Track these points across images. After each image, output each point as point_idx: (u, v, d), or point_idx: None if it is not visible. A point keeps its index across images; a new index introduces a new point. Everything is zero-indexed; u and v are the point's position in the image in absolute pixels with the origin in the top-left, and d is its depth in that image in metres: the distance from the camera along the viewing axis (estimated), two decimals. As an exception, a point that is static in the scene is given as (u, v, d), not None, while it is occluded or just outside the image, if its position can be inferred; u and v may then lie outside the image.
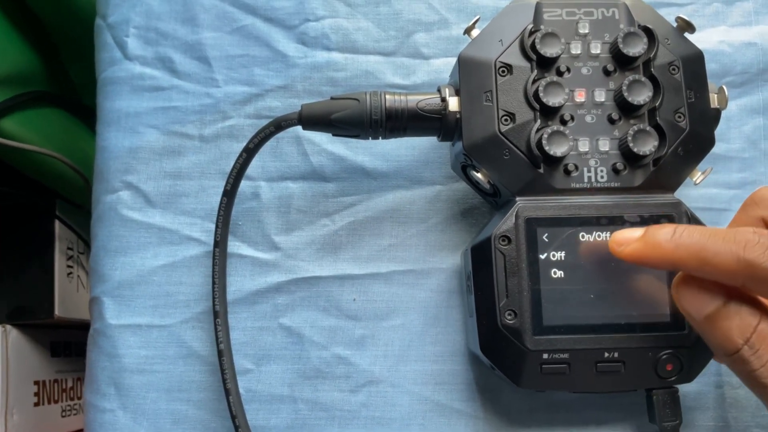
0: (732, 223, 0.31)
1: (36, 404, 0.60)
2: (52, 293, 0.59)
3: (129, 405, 0.36)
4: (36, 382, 0.60)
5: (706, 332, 0.27)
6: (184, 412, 0.36)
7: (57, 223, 0.60)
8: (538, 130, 0.32)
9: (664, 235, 0.26)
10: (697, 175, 0.34)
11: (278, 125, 0.35)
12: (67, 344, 0.66)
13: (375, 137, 0.35)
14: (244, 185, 0.38)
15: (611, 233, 0.31)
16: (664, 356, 0.31)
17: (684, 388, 0.33)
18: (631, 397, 0.35)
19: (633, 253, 0.28)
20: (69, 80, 0.60)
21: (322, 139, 0.39)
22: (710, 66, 0.35)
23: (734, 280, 0.25)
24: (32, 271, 0.59)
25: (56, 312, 0.59)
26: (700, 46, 0.34)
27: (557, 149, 0.32)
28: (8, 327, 0.56)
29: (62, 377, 0.64)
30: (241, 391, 0.36)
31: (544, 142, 0.32)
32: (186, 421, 0.36)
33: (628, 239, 0.28)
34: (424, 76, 0.40)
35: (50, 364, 0.62)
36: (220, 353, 0.35)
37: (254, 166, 0.38)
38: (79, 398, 0.67)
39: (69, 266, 0.62)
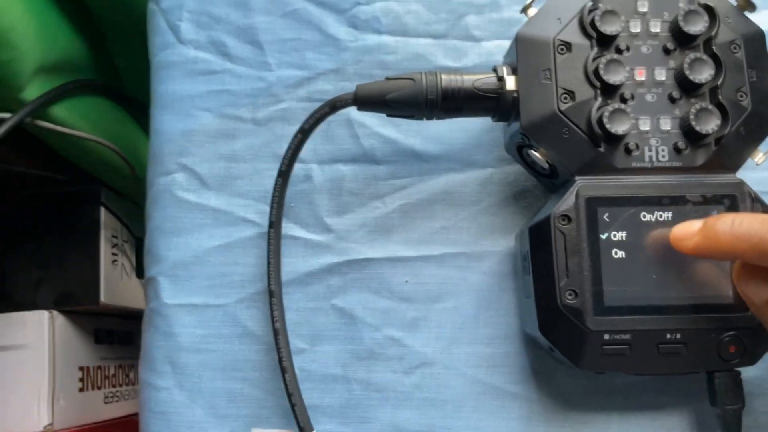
0: None
1: (81, 390, 0.61)
2: (97, 280, 0.60)
3: (185, 383, 0.37)
4: (81, 368, 0.61)
5: (765, 316, 0.26)
6: (239, 390, 0.36)
7: (102, 211, 0.61)
8: (598, 108, 0.32)
9: (723, 226, 0.27)
10: (759, 155, 0.33)
11: (333, 106, 0.35)
12: (110, 332, 0.67)
13: (430, 117, 0.34)
14: (296, 168, 0.38)
15: (673, 213, 0.31)
16: (727, 338, 0.31)
17: (745, 374, 0.32)
18: (689, 380, 0.35)
19: (694, 247, 0.28)
20: (114, 70, 0.61)
21: (373, 122, 0.39)
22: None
23: None
24: (78, 258, 0.60)
25: (101, 298, 0.59)
26: (761, 26, 0.34)
27: (618, 127, 0.31)
28: (55, 313, 0.57)
29: (105, 364, 0.65)
30: (295, 370, 0.36)
31: (605, 119, 0.31)
32: (241, 400, 0.36)
33: (688, 233, 0.28)
34: (476, 58, 0.39)
35: (94, 351, 0.63)
36: (275, 332, 0.35)
37: (306, 149, 0.38)
38: (121, 385, 0.68)
39: (114, 254, 0.62)
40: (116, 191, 0.63)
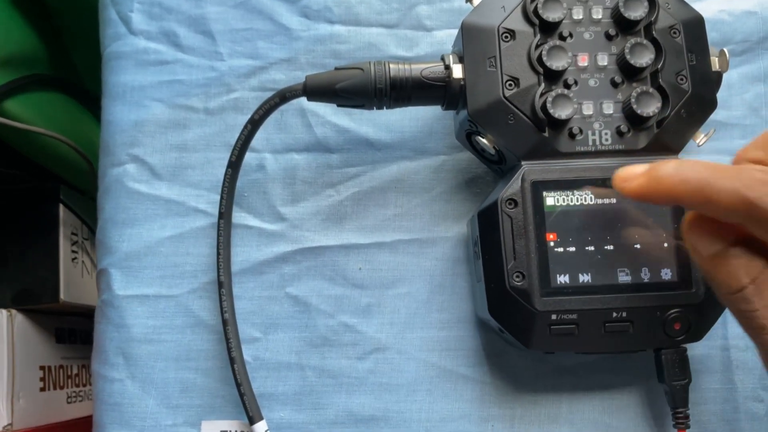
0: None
1: (42, 389, 0.60)
2: (57, 277, 0.59)
3: (137, 374, 0.36)
4: (42, 368, 0.60)
5: (711, 270, 0.26)
6: (192, 380, 0.36)
7: (61, 208, 0.60)
8: (542, 93, 0.32)
9: (668, 169, 0.25)
10: (701, 137, 0.34)
11: (283, 96, 0.35)
12: (72, 331, 0.66)
13: (380, 107, 0.35)
14: (249, 157, 0.38)
15: (617, 194, 0.32)
16: (672, 315, 0.32)
17: (691, 351, 0.33)
18: (638, 359, 0.36)
19: (637, 189, 0.26)
20: (71, 64, 0.60)
21: (326, 111, 0.39)
22: (711, 35, 0.36)
23: (735, 218, 0.25)
24: (37, 256, 0.59)
25: (61, 296, 0.58)
26: (701, 14, 0.35)
27: (562, 112, 0.32)
28: (13, 311, 0.56)
29: (67, 363, 0.64)
30: (249, 359, 0.36)
31: (548, 105, 0.32)
32: (194, 390, 0.36)
33: (632, 174, 0.27)
34: (427, 47, 0.40)
35: (55, 350, 0.62)
36: (224, 323, 0.35)
37: (259, 138, 0.38)
38: (84, 385, 0.67)
39: (74, 251, 0.61)
40: (76, 188, 0.63)
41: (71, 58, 0.60)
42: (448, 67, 0.34)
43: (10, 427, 0.54)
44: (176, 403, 0.36)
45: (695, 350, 0.36)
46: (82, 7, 0.53)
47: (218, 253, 0.36)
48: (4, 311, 0.55)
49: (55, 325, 0.62)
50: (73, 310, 0.62)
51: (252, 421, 0.34)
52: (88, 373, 0.67)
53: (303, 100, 0.36)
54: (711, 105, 0.34)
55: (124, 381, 0.37)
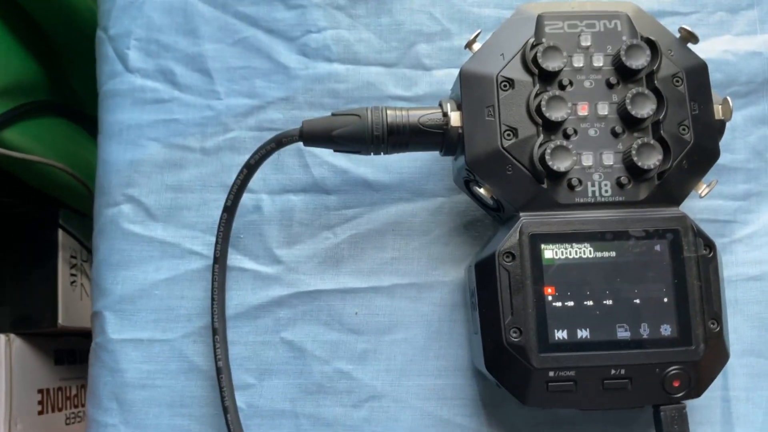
0: None
1: (40, 413, 0.60)
2: (55, 302, 0.59)
3: (131, 420, 0.36)
4: (40, 391, 0.60)
5: None
6: (186, 427, 0.36)
7: (60, 232, 0.60)
8: (541, 144, 0.32)
9: None
10: (702, 188, 0.33)
11: (279, 142, 0.35)
12: (71, 352, 0.65)
13: (377, 153, 0.34)
14: (245, 198, 0.38)
15: (616, 248, 0.31)
16: (672, 372, 0.31)
17: (690, 402, 0.33)
18: (637, 410, 0.35)
19: None
20: (71, 90, 0.60)
21: (323, 151, 0.39)
22: (714, 76, 0.35)
23: None
24: (35, 280, 0.59)
25: (60, 321, 0.58)
26: (704, 55, 0.34)
27: (561, 164, 0.31)
28: (12, 336, 0.56)
29: (66, 385, 0.64)
30: (242, 406, 0.36)
31: (547, 157, 0.31)
32: None
33: None
34: (426, 87, 0.39)
35: (54, 372, 0.62)
36: (218, 371, 0.35)
37: (256, 179, 0.38)
38: (83, 405, 0.67)
39: (72, 275, 0.61)
40: (76, 210, 0.62)
41: (71, 83, 0.60)
42: (445, 115, 0.33)
43: (7, 453, 0.54)
44: None
45: (694, 401, 0.35)
46: (81, 32, 0.52)
47: (213, 299, 0.36)
48: (2, 336, 0.55)
49: (54, 347, 0.62)
50: (72, 332, 0.62)
51: (245, 472, 0.34)
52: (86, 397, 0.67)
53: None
54: (714, 155, 0.33)
55: (118, 426, 0.36)
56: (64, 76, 0.59)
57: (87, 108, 0.61)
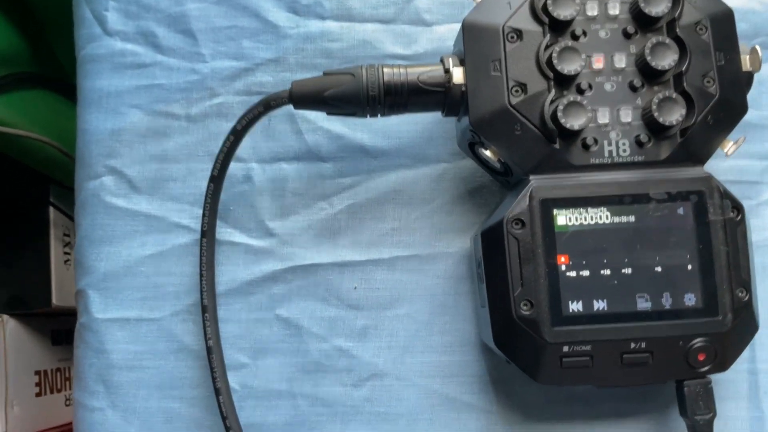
0: None
1: (38, 394, 0.59)
2: (48, 282, 0.57)
3: (119, 403, 0.35)
4: (37, 372, 0.59)
5: None
6: (176, 409, 0.34)
7: (51, 210, 0.58)
8: (552, 101, 0.29)
9: None
10: (729, 146, 0.31)
11: (267, 105, 0.32)
12: (69, 332, 0.63)
13: (373, 115, 0.32)
14: (234, 168, 0.36)
15: (636, 212, 0.29)
16: (696, 345, 0.29)
17: (714, 376, 0.30)
18: (658, 387, 0.33)
19: None
20: (56, 60, 0.58)
21: (317, 116, 0.36)
22: (740, 26, 0.32)
23: None
24: (28, 260, 0.58)
25: (53, 301, 0.57)
26: (729, 4, 0.31)
27: (574, 122, 0.29)
28: (5, 317, 0.55)
29: (65, 366, 0.63)
30: (236, 386, 0.34)
31: (559, 114, 0.29)
32: (178, 420, 0.34)
33: None
34: (427, 44, 0.37)
35: (52, 353, 0.61)
36: (209, 350, 0.33)
37: (245, 147, 0.36)
38: (82, 387, 0.66)
39: (66, 253, 0.60)
40: (67, 187, 0.61)
41: (56, 54, 0.57)
42: (447, 71, 0.31)
43: (4, 436, 0.53)
44: None
45: (719, 375, 0.33)
46: (64, 1, 0.50)
47: (201, 275, 0.34)
48: (-4, 317, 0.54)
49: (51, 327, 0.61)
50: (68, 311, 0.61)
51: (239, 456, 0.32)
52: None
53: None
54: (741, 110, 0.31)
55: (105, 410, 0.35)
56: (48, 48, 0.57)
57: (73, 80, 0.59)
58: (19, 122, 0.52)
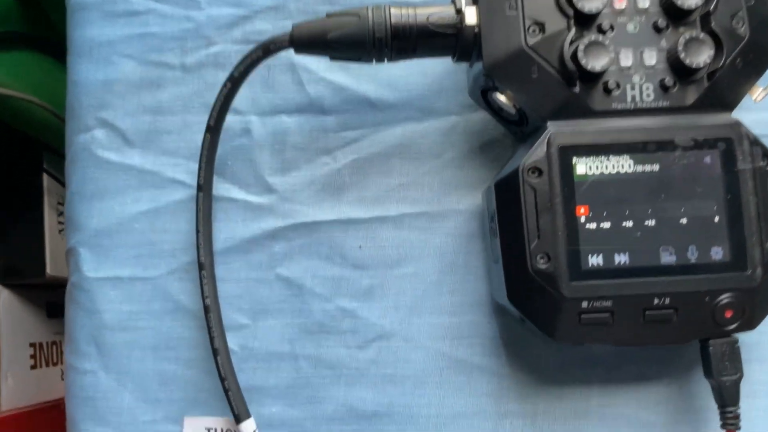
0: None
1: (33, 367, 0.59)
2: (42, 251, 0.56)
3: (111, 365, 0.33)
4: (32, 345, 0.59)
5: None
6: (172, 372, 0.33)
7: (45, 177, 0.57)
8: (572, 41, 0.27)
9: None
10: (758, 92, 0.29)
11: (266, 49, 0.30)
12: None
13: (379, 60, 0.30)
14: (232, 120, 0.34)
15: (660, 160, 0.27)
16: (723, 301, 0.27)
17: (741, 336, 0.29)
18: (678, 347, 0.32)
19: None
20: (48, 20, 0.56)
21: (319, 66, 0.34)
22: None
23: None
24: (21, 229, 0.57)
25: (48, 270, 0.56)
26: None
27: (596, 63, 0.27)
28: (-1, 288, 0.54)
29: (60, 339, 0.63)
30: (235, 348, 0.33)
31: (579, 54, 0.27)
32: (175, 382, 0.33)
33: None
34: (437, -15, 0.35)
35: (47, 326, 0.61)
36: (206, 309, 0.32)
37: (243, 99, 0.34)
38: (79, 360, 0.64)
39: (60, 222, 0.59)
40: (61, 153, 0.59)
41: (47, 14, 0.55)
42: (459, 11, 0.29)
43: (-2, 408, 0.52)
44: (155, 397, 0.33)
45: (744, 335, 0.32)
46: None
47: (197, 231, 0.32)
48: (-11, 288, 0.53)
49: (47, 299, 0.61)
50: (64, 282, 0.60)
51: (238, 419, 0.31)
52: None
53: (293, 53, 0.31)
54: (772, 53, 0.29)
55: (97, 373, 0.33)
56: (39, 7, 0.55)
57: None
58: (10, 83, 0.50)
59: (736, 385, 0.29)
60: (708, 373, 0.29)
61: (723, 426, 0.29)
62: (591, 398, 0.32)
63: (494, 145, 0.34)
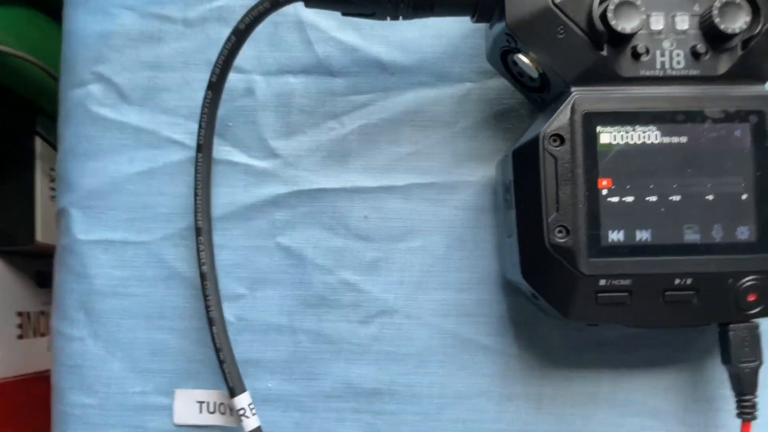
0: None
1: (20, 336, 0.57)
2: (32, 217, 0.55)
3: (101, 332, 0.32)
4: (20, 314, 0.57)
5: None
6: (164, 341, 0.32)
7: (38, 140, 0.56)
8: (602, 0, 0.26)
9: None
10: (795, 64, 0.27)
11: (275, 2, 0.29)
12: (55, 274, 0.62)
13: (394, 17, 0.28)
14: (235, 79, 0.32)
15: (689, 131, 0.26)
16: (747, 283, 0.26)
17: (763, 323, 0.28)
18: (693, 331, 0.31)
19: None
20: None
21: (329, 24, 0.33)
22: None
23: None
24: (11, 194, 0.55)
25: (38, 237, 0.55)
26: None
27: (626, 24, 0.25)
28: (-14, 254, 0.52)
29: (49, 309, 0.61)
30: (231, 318, 0.32)
31: (609, 14, 0.26)
32: (167, 353, 0.32)
33: None
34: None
35: (36, 295, 0.59)
36: (202, 277, 0.30)
37: (248, 57, 0.33)
38: (69, 331, 0.63)
39: (52, 188, 0.57)
40: (54, 117, 0.57)
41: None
42: (482, -34, 0.27)
43: (-18, 377, 0.51)
44: (146, 367, 0.32)
45: (763, 322, 0.31)
46: None
47: (196, 194, 0.31)
48: (-25, 255, 0.52)
49: (36, 268, 0.59)
50: (54, 251, 0.58)
51: (233, 393, 0.29)
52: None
53: (301, 10, 0.30)
54: (813, 21, 0.27)
55: (86, 340, 0.32)
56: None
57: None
58: (4, 39, 0.48)
59: (755, 372, 0.28)
60: (726, 360, 0.28)
61: (739, 415, 0.28)
62: (601, 382, 0.31)
63: (510, 115, 0.32)
